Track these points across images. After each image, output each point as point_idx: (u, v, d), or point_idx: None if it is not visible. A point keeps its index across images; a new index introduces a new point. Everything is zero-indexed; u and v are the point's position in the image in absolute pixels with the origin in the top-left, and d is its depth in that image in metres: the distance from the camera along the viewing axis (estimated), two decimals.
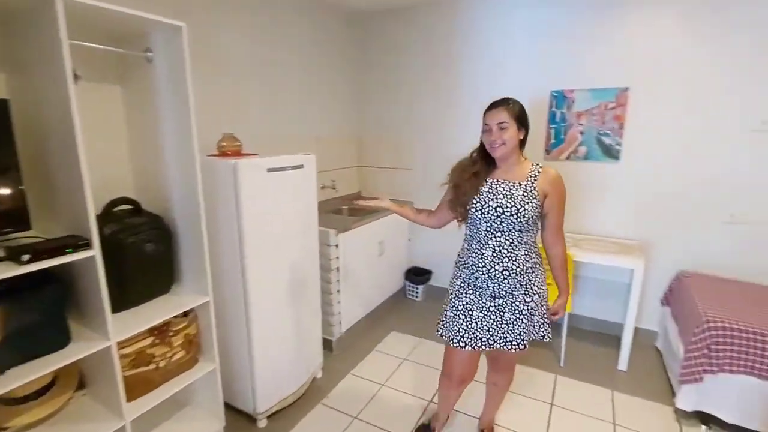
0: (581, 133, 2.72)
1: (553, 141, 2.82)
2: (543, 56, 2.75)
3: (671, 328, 2.37)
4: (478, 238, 1.53)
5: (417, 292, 3.40)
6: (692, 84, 2.40)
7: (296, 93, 2.81)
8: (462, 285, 1.59)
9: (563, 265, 1.62)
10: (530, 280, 1.52)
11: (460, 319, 1.57)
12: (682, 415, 2.05)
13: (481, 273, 1.52)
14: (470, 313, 1.55)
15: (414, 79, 3.24)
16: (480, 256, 1.52)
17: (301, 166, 2.01)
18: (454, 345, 1.57)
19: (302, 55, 2.82)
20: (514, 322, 1.53)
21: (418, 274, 3.42)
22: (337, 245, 2.47)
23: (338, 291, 2.56)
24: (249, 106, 2.46)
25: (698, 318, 1.99)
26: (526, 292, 1.52)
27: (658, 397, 2.21)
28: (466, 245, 1.61)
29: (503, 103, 1.44)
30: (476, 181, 1.50)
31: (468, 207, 1.52)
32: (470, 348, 1.54)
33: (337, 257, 2.50)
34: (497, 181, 1.50)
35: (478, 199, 1.49)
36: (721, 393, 1.91)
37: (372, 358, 2.60)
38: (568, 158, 2.79)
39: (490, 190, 1.49)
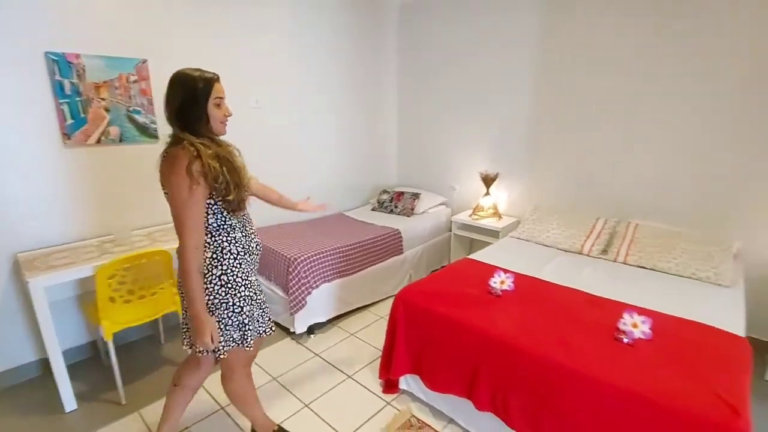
0: (107, 110, 2.22)
1: (71, 121, 2.11)
2: None
3: None
4: (247, 219, 1.49)
5: None
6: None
7: None
8: (250, 273, 1.48)
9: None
10: None
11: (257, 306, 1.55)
12: (299, 336, 2.57)
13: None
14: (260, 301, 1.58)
15: None
16: (256, 239, 1.51)
17: None
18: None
19: None
20: None
21: None
22: None
23: None
24: None
25: (286, 260, 2.48)
26: None
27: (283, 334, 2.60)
28: (239, 234, 1.41)
29: None
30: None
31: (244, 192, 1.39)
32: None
33: None
34: None
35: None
36: (313, 305, 2.56)
37: None
38: (99, 142, 2.23)
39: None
